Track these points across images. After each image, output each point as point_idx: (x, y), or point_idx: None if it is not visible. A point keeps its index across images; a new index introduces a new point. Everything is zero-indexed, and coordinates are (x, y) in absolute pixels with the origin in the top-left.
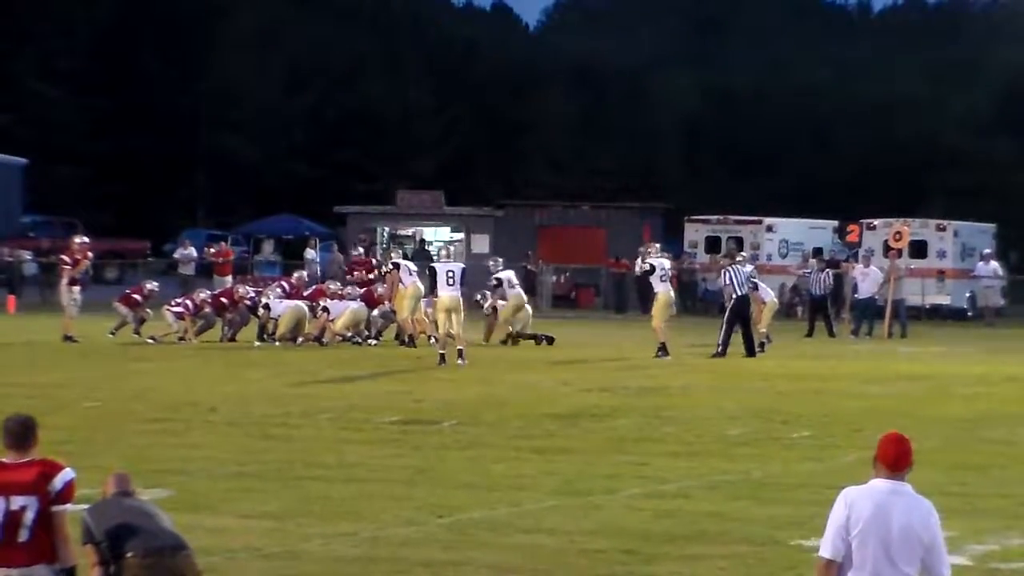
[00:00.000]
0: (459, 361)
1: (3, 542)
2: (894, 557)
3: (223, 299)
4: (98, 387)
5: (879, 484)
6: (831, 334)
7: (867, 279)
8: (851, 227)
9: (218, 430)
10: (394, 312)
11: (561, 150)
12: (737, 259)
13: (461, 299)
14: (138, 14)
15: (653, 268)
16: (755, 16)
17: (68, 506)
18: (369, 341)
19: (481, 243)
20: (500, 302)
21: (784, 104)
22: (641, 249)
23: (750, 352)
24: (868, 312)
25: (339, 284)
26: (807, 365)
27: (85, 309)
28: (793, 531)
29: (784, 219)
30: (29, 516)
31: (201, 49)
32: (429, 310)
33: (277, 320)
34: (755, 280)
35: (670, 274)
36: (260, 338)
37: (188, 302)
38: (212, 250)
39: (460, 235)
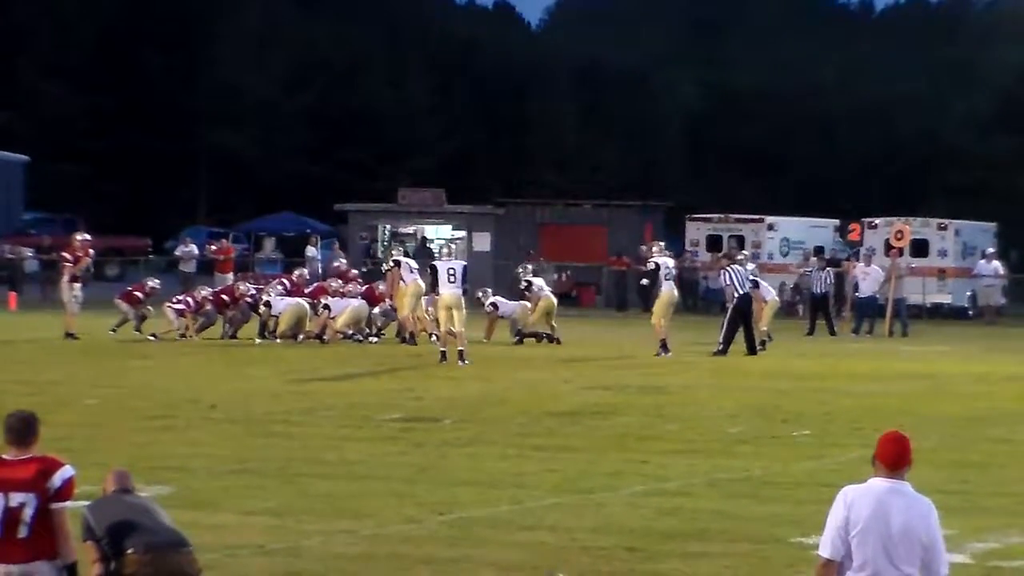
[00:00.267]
0: (460, 362)
1: (3, 539)
2: (894, 556)
3: (224, 296)
4: (99, 384)
5: (878, 483)
6: (832, 333)
7: (868, 278)
8: (852, 226)
9: (219, 427)
10: (395, 310)
11: (563, 148)
12: (738, 258)
13: (462, 297)
14: (139, 12)
15: (658, 266)
16: (757, 15)
17: (68, 503)
18: (370, 339)
19: (482, 241)
20: (499, 299)
21: (786, 103)
22: (643, 248)
23: (751, 350)
24: (869, 311)
25: (340, 282)
26: (808, 364)
27: (86, 306)
28: (793, 529)
29: (785, 218)
30: (28, 513)
31: (202, 46)
32: (431, 308)
33: (278, 318)
34: (756, 278)
35: (674, 273)
36: (261, 335)
37: (189, 299)
38: (213, 247)
39: (461, 233)
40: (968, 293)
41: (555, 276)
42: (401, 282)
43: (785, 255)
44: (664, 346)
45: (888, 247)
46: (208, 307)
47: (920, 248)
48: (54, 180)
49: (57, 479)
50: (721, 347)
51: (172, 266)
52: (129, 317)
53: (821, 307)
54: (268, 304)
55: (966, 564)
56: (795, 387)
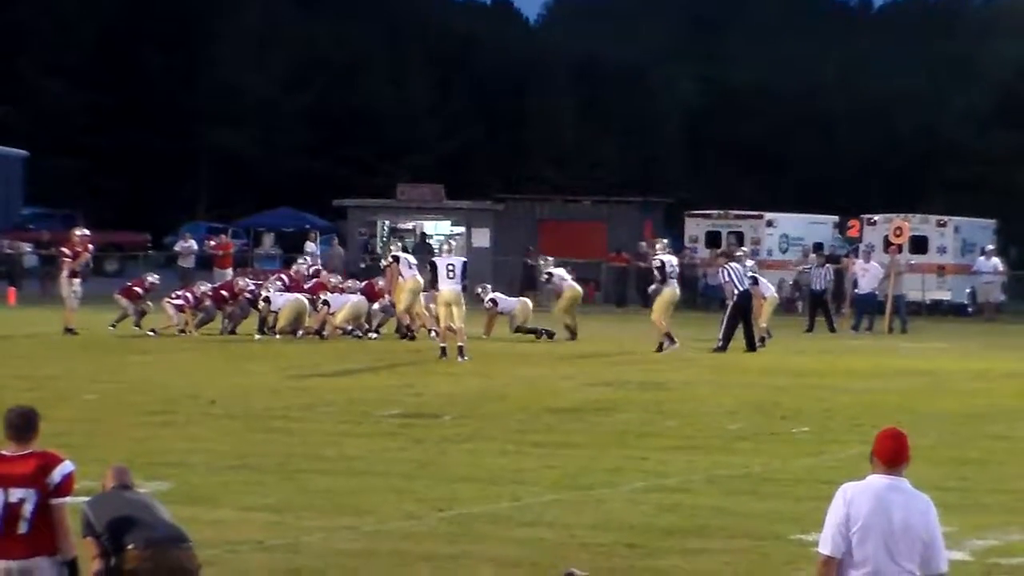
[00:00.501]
0: (460, 358)
1: (2, 534)
2: (895, 553)
3: (223, 292)
4: (98, 379)
5: (877, 480)
6: (831, 329)
7: (867, 274)
8: (851, 222)
9: (218, 423)
10: (394, 305)
11: (562, 144)
12: (736, 255)
13: (462, 293)
14: (139, 9)
15: (663, 263)
16: (756, 12)
17: (67, 499)
18: (369, 335)
19: (481, 237)
20: (498, 295)
21: (785, 100)
22: (642, 244)
23: (751, 347)
24: (868, 307)
25: (339, 277)
26: (807, 360)
27: (85, 301)
28: (793, 526)
29: (784, 214)
30: (28, 508)
31: (202, 44)
32: (432, 305)
33: (277, 313)
34: (754, 275)
35: (677, 271)
36: (260, 331)
37: (188, 295)
38: (212, 243)
39: (460, 229)
40: (967, 290)
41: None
42: (400, 278)
43: (784, 252)
44: (670, 338)
45: (887, 244)
46: (207, 303)
47: (919, 245)
48: (53, 175)
49: (57, 474)
50: (721, 344)
51: (171, 261)
52: (128, 312)
53: (820, 304)
54: (267, 300)
55: (965, 561)
56: (794, 384)
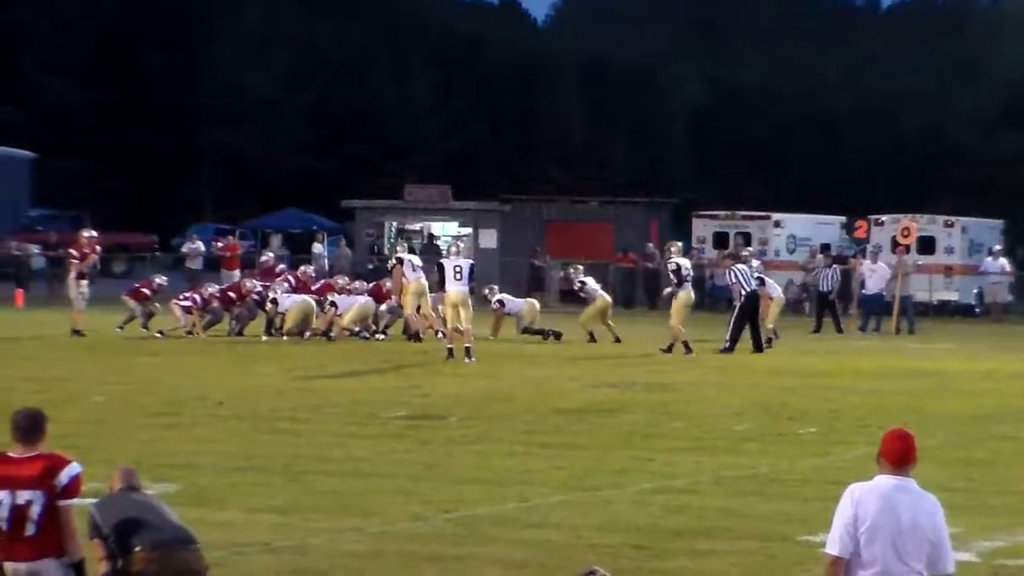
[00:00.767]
0: (467, 359)
1: (10, 536)
2: (903, 553)
3: (231, 293)
4: (106, 381)
5: (884, 480)
6: (839, 330)
7: (875, 275)
8: (859, 223)
9: (225, 424)
10: (401, 307)
11: (569, 145)
12: (742, 255)
13: (469, 295)
14: (141, 9)
15: (679, 266)
16: (762, 12)
17: (75, 500)
18: (376, 336)
19: (488, 238)
20: (505, 296)
21: (791, 100)
22: (649, 245)
23: (757, 348)
24: (875, 308)
25: (347, 279)
26: (814, 361)
27: (93, 303)
28: (800, 527)
29: (792, 215)
30: (35, 510)
31: (205, 43)
32: (439, 306)
33: (284, 314)
34: (761, 276)
35: (692, 274)
36: (268, 332)
37: (196, 296)
38: (220, 244)
39: (468, 230)
40: (975, 290)
41: (560, 273)
42: (404, 279)
43: (792, 252)
44: (687, 346)
45: (895, 244)
46: (215, 304)
47: (927, 245)
48: (60, 177)
49: (64, 476)
50: (728, 344)
51: (179, 263)
52: (136, 314)
53: (827, 304)
54: (275, 301)
55: (972, 562)
56: (801, 385)
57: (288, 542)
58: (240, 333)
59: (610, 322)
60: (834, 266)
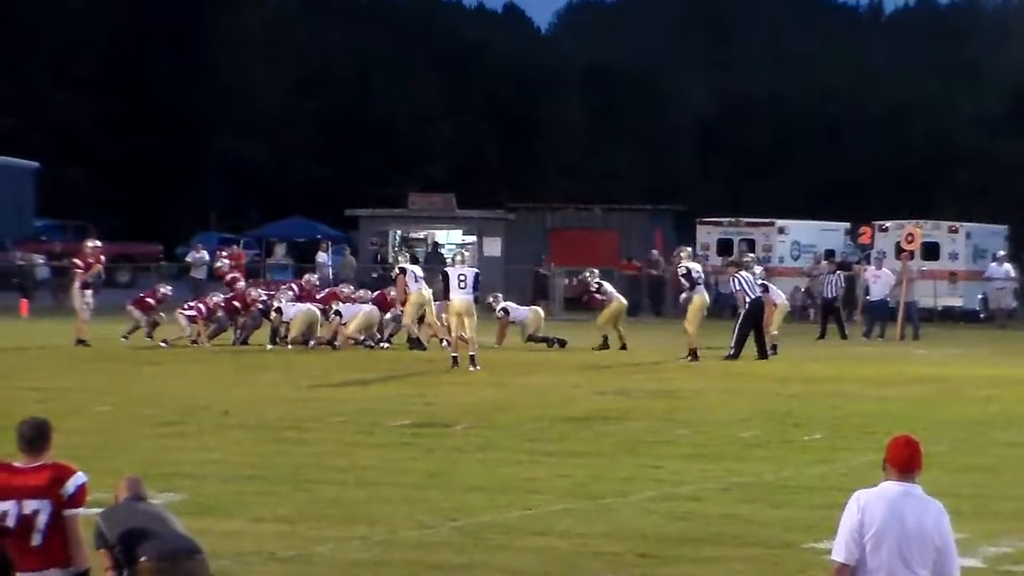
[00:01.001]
0: (472, 367)
1: (16, 546)
2: (909, 559)
3: (235, 303)
4: (110, 391)
5: (890, 487)
6: (843, 336)
7: (879, 281)
8: (863, 229)
9: (230, 434)
10: None
11: (572, 153)
12: (744, 261)
13: (473, 303)
14: (148, 19)
15: (690, 271)
16: (766, 18)
17: (81, 510)
18: (381, 345)
19: (493, 246)
20: (510, 304)
21: (796, 106)
22: (654, 251)
23: (762, 355)
24: (880, 314)
25: (352, 287)
26: (819, 368)
27: (97, 313)
28: (806, 534)
29: (796, 221)
30: (42, 520)
31: (211, 53)
32: (443, 315)
33: (289, 323)
34: (764, 283)
35: (704, 278)
36: (273, 342)
37: (201, 306)
38: (224, 254)
39: (472, 238)
40: (979, 296)
41: (565, 281)
42: (407, 289)
43: (796, 259)
44: (694, 354)
45: (899, 250)
46: (220, 313)
47: (931, 251)
48: (65, 186)
49: (71, 485)
50: (733, 351)
51: (183, 273)
52: (140, 324)
53: (832, 311)
54: (279, 310)
55: (978, 568)
56: (806, 391)
57: (294, 551)
58: (245, 342)
59: (621, 328)
60: (838, 272)
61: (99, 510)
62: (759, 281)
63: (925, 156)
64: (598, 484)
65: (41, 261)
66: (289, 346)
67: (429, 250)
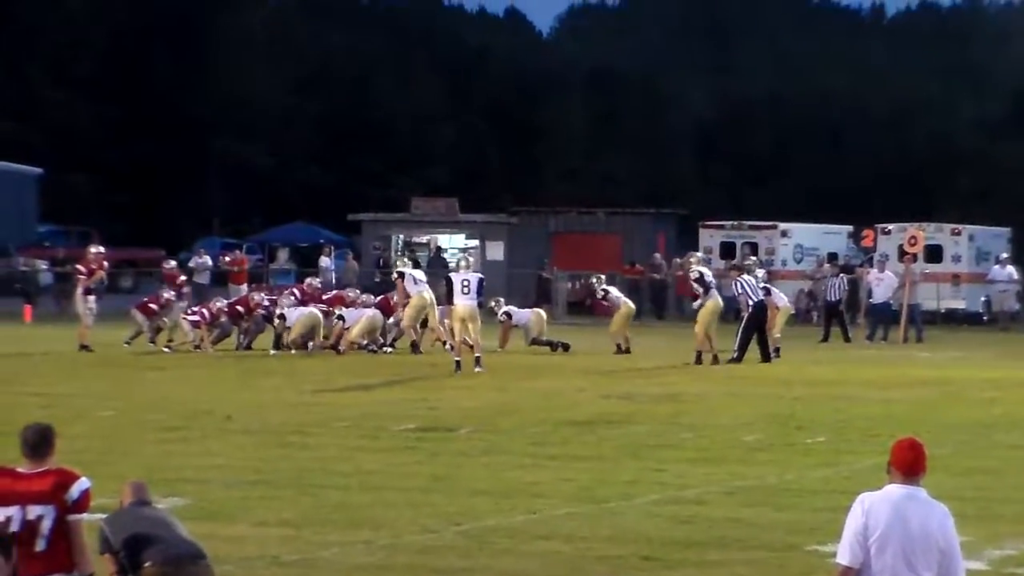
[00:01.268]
0: (476, 368)
1: (20, 551)
2: (913, 562)
3: (239, 307)
4: (114, 396)
5: (895, 489)
6: (846, 339)
7: (882, 284)
8: (866, 232)
9: (234, 438)
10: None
11: (575, 156)
12: (746, 263)
13: (477, 308)
14: (150, 22)
15: (702, 275)
16: (767, 21)
17: (85, 515)
18: (384, 349)
19: (495, 250)
20: (512, 308)
21: (797, 109)
22: (656, 255)
23: (765, 358)
24: (883, 317)
25: (356, 291)
26: (822, 371)
27: (101, 318)
28: (810, 537)
29: (799, 224)
30: (46, 525)
31: (212, 55)
32: (446, 320)
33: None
34: (766, 285)
35: (715, 282)
36: (276, 347)
37: (204, 311)
38: (227, 259)
39: (474, 242)
40: (982, 299)
41: (568, 285)
42: (407, 293)
43: (799, 262)
44: (699, 356)
45: (902, 253)
46: (223, 318)
47: (934, 254)
48: (67, 192)
49: (75, 490)
50: (736, 355)
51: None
52: (143, 329)
53: (835, 314)
54: (282, 316)
55: (982, 571)
56: (810, 394)
57: (298, 556)
58: (248, 347)
59: (627, 332)
60: (841, 275)
61: (103, 515)
62: (761, 284)
63: (928, 159)
64: (602, 488)
65: (44, 267)
66: (292, 351)
67: (432, 254)
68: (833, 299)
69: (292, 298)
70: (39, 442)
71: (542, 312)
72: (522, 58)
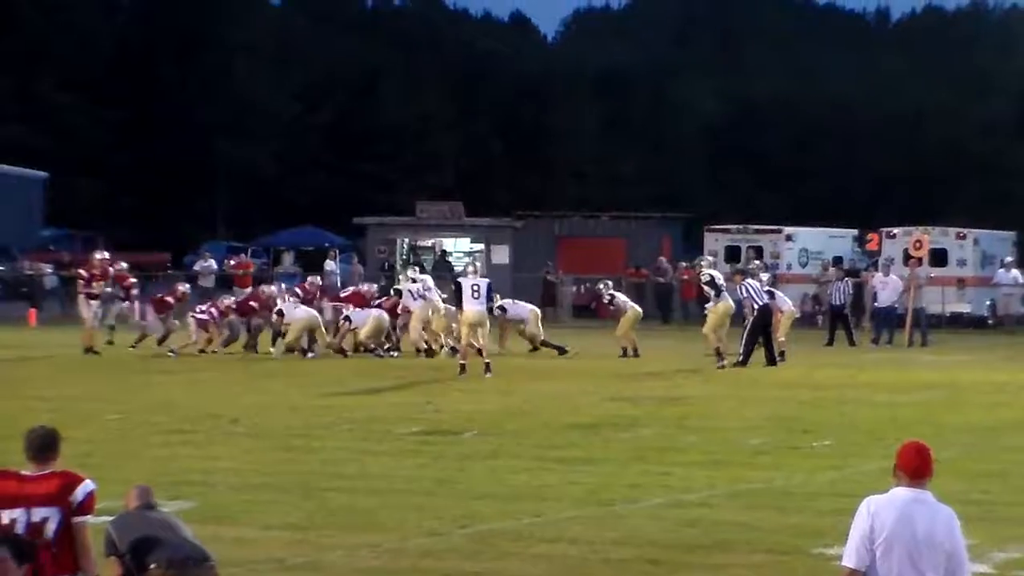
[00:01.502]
0: (486, 374)
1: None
2: (919, 565)
3: (250, 303)
4: (120, 399)
5: (901, 492)
6: (851, 343)
7: (887, 288)
8: (871, 236)
9: (239, 442)
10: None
11: (580, 160)
12: (751, 267)
13: (487, 314)
14: (157, 27)
15: (713, 278)
16: (774, 25)
17: (90, 517)
18: (390, 352)
19: (501, 254)
20: (507, 301)
21: (804, 113)
22: (661, 259)
23: (771, 362)
24: (888, 321)
25: (374, 287)
26: (828, 374)
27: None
28: (815, 540)
29: (804, 228)
30: (51, 527)
31: (219, 61)
32: (454, 324)
33: (291, 325)
34: (770, 289)
35: (725, 284)
36: (274, 342)
37: (213, 309)
38: (232, 262)
39: (480, 246)
40: (987, 302)
41: (573, 288)
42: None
43: (804, 265)
44: (719, 354)
45: (907, 257)
46: (232, 317)
47: (939, 257)
48: (73, 196)
49: (80, 493)
50: (741, 358)
51: (191, 281)
52: (148, 331)
53: (840, 318)
54: (280, 312)
55: (988, 574)
56: (815, 397)
57: (303, 559)
58: (254, 345)
59: (635, 337)
60: (846, 279)
61: (109, 518)
62: (765, 288)
63: (934, 163)
64: (607, 491)
65: (50, 271)
66: (293, 352)
67: (437, 258)
68: (838, 303)
69: (294, 298)
70: (44, 445)
71: (535, 308)
72: (527, 62)
